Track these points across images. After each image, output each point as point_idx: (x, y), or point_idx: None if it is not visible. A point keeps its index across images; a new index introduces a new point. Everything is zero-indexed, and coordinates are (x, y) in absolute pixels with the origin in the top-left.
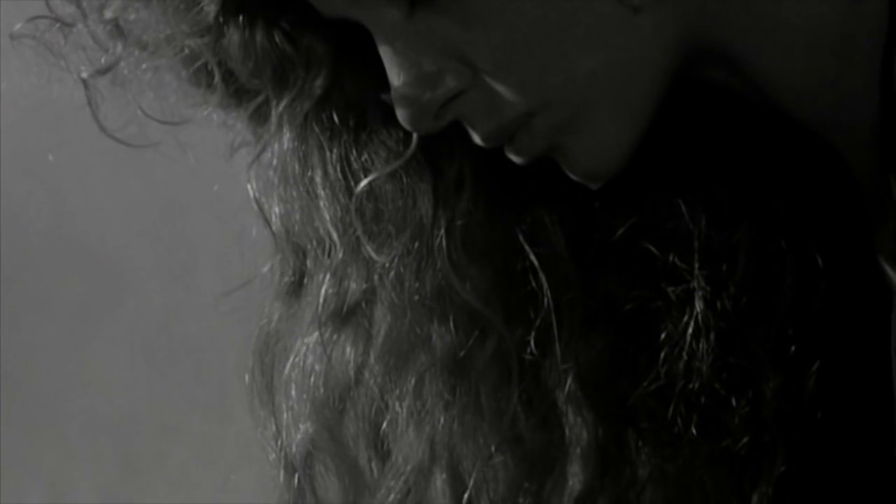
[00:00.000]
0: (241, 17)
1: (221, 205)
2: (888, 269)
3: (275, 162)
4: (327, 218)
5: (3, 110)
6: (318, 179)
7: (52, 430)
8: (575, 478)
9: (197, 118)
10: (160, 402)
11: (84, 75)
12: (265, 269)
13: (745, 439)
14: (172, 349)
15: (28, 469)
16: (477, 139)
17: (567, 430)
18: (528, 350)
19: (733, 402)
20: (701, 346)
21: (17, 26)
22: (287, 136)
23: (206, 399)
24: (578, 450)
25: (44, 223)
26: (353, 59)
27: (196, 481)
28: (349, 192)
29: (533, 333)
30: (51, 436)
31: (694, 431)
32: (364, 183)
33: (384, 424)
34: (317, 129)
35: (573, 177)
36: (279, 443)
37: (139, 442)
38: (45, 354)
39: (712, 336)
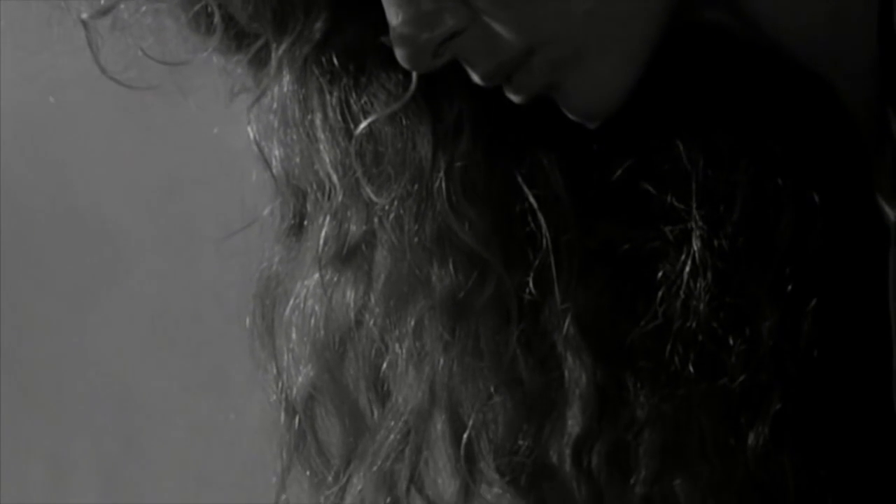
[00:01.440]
0: None
1: (221, 179)
2: (885, 207)
3: (275, 106)
4: (327, 160)
5: (3, 86)
6: (317, 122)
7: (51, 408)
8: (573, 420)
9: (196, 66)
10: (160, 380)
11: (84, 16)
12: (266, 211)
13: (742, 377)
14: (172, 327)
15: (28, 447)
16: (476, 78)
17: (566, 373)
18: (527, 291)
19: (730, 341)
20: (698, 285)
21: None
22: (287, 79)
23: (206, 377)
24: (577, 392)
25: (44, 199)
26: (352, 1)
27: (196, 459)
28: (349, 134)
29: (531, 275)
30: (50, 414)
31: (691, 370)
32: (363, 125)
33: (384, 366)
34: (316, 73)
35: (571, 116)
36: (280, 385)
37: (139, 420)
38: (45, 332)
39: (709, 275)
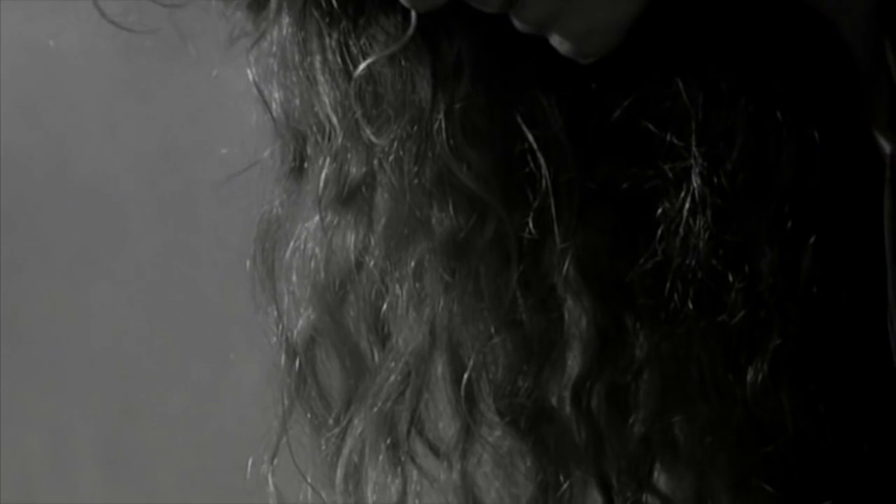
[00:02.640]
0: None
1: (220, 149)
2: (882, 141)
3: (274, 49)
4: (327, 102)
5: (3, 56)
6: (317, 65)
7: (51, 375)
8: (573, 361)
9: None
10: (160, 347)
11: None
12: (266, 153)
13: (742, 314)
14: (172, 294)
15: (28, 414)
16: (478, 3)
17: (565, 314)
18: (527, 232)
19: (730, 278)
20: (698, 222)
21: None
22: (286, 22)
23: (206, 344)
24: (576, 333)
25: (43, 167)
26: None
27: (196, 426)
28: (348, 76)
29: (531, 216)
30: (50, 381)
31: (690, 307)
32: (363, 67)
33: (384, 308)
34: (316, 15)
35: (566, 53)
36: (280, 328)
37: (139, 387)
38: (45, 300)
39: (709, 213)
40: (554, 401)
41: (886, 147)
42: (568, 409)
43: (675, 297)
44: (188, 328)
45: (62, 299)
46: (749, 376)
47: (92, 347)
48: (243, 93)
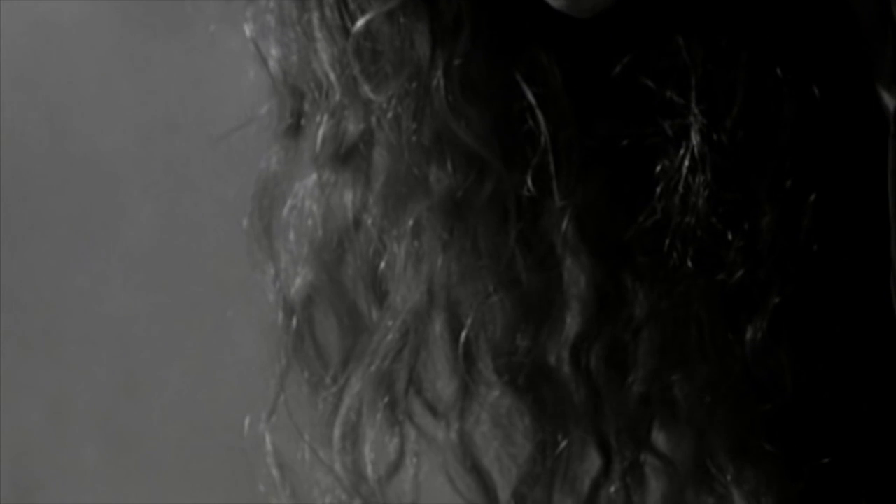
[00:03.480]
0: None
1: (219, 121)
2: (885, 96)
3: (271, 5)
4: (325, 59)
5: (3, 30)
6: (315, 21)
7: (50, 347)
8: (572, 320)
9: None
10: (158, 320)
11: None
12: (263, 110)
13: (741, 273)
14: (171, 266)
15: (26, 386)
16: None
17: (564, 273)
18: (526, 190)
19: (729, 236)
20: (697, 180)
21: None
22: None
23: (205, 316)
24: (575, 292)
25: (41, 140)
26: None
27: (194, 399)
28: (346, 33)
29: (530, 173)
30: (49, 353)
31: (689, 265)
32: (361, 22)
33: (382, 266)
34: None
35: (561, 8)
36: (278, 286)
37: (137, 360)
38: (43, 272)
39: (708, 170)
40: (552, 360)
41: (890, 103)
42: (566, 368)
43: (674, 255)
44: (187, 300)
45: (59, 272)
46: (748, 335)
47: (89, 320)
48: (240, 52)
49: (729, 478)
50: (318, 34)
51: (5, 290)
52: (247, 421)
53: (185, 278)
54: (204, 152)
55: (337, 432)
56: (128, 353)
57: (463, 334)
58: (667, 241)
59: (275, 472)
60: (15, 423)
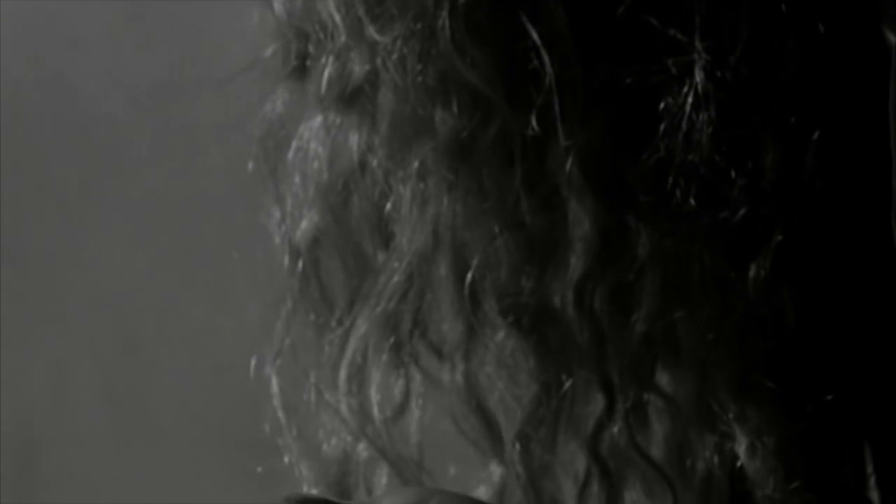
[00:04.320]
0: None
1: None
2: (888, 34)
3: None
4: (329, 0)
5: None
6: None
7: (52, 310)
8: (576, 261)
9: None
10: (160, 284)
11: None
12: (267, 52)
13: (744, 211)
14: (173, 229)
15: (28, 349)
16: None
17: (568, 214)
18: (531, 130)
19: (732, 174)
20: (700, 117)
21: None
22: None
23: (207, 281)
24: (579, 233)
25: (43, 104)
26: None
27: (195, 364)
28: None
29: (535, 113)
30: (51, 316)
31: (693, 203)
32: None
33: (388, 207)
34: None
35: None
36: (283, 229)
37: (139, 324)
38: (46, 236)
39: (712, 107)
40: (557, 301)
41: (894, 40)
42: (570, 309)
43: (678, 193)
44: (189, 263)
45: (63, 235)
46: (751, 273)
47: (93, 283)
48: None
49: (731, 416)
50: None
51: (6, 254)
52: (252, 362)
53: (188, 242)
54: (208, 117)
55: (343, 374)
56: (131, 317)
57: (468, 275)
58: (670, 180)
59: (280, 414)
60: (17, 387)
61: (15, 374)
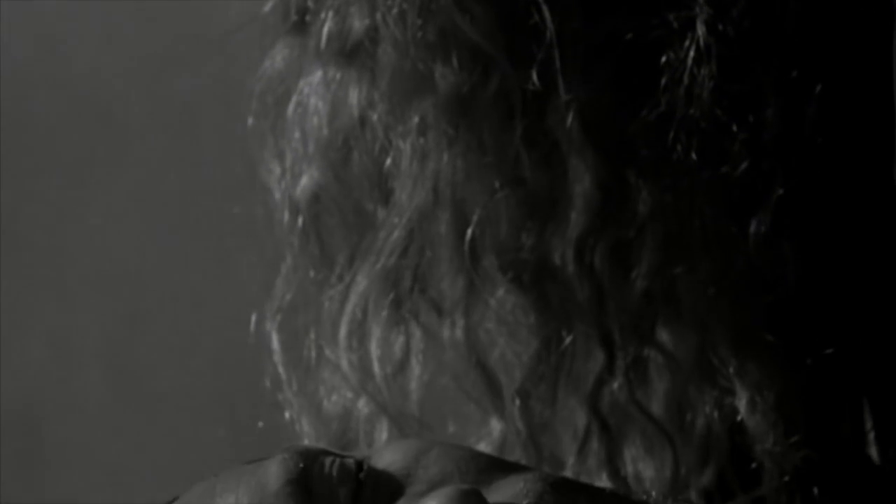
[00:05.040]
0: None
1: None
2: None
3: None
4: None
5: None
6: None
7: (53, 284)
8: (577, 217)
9: None
10: (161, 257)
11: None
12: (266, 7)
13: (745, 164)
14: (174, 199)
15: (30, 323)
16: None
17: (569, 171)
18: (531, 85)
19: (733, 128)
20: (702, 71)
21: None
22: None
23: (208, 254)
24: (579, 190)
25: (43, 74)
26: None
27: (196, 336)
28: None
29: (535, 68)
30: (52, 290)
31: (694, 158)
32: None
33: (388, 163)
34: None
35: None
36: (283, 185)
37: (141, 297)
38: (46, 209)
39: (713, 61)
40: (557, 257)
41: None
42: (571, 265)
43: (679, 148)
44: (190, 233)
45: (63, 209)
46: (752, 228)
47: (95, 254)
48: None
49: (731, 370)
50: None
51: (6, 224)
52: (253, 318)
53: (188, 212)
54: (207, 85)
55: (343, 330)
56: (132, 289)
57: (468, 231)
58: (671, 135)
59: (281, 370)
60: (19, 358)
61: (17, 345)
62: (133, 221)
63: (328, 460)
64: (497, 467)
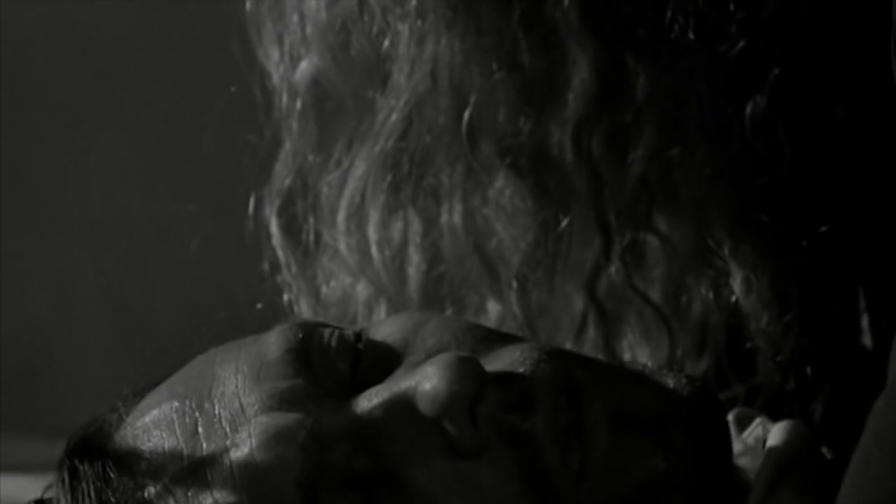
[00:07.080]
0: None
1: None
2: None
3: None
4: None
5: None
6: None
7: (54, 232)
8: (574, 103)
9: None
10: (163, 195)
11: None
12: None
13: (742, 45)
14: (175, 142)
15: (31, 266)
16: None
17: (567, 57)
18: None
19: (731, 7)
20: None
21: None
22: None
23: (209, 197)
24: (577, 75)
25: (42, 15)
26: None
27: (199, 279)
28: None
29: None
30: (54, 233)
31: (691, 37)
32: None
33: (386, 45)
34: None
35: None
36: (281, 69)
37: (141, 239)
38: (47, 152)
39: None
40: (554, 143)
41: None
42: (568, 150)
43: (676, 27)
44: (191, 175)
45: (64, 151)
46: (748, 109)
47: (94, 199)
48: None
49: (727, 252)
50: None
51: (6, 169)
52: (251, 200)
53: (189, 154)
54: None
55: (342, 214)
56: (131, 231)
57: (466, 114)
58: (668, 14)
59: (280, 253)
60: (21, 302)
61: (19, 289)
62: (134, 165)
63: (327, 331)
64: (494, 338)
